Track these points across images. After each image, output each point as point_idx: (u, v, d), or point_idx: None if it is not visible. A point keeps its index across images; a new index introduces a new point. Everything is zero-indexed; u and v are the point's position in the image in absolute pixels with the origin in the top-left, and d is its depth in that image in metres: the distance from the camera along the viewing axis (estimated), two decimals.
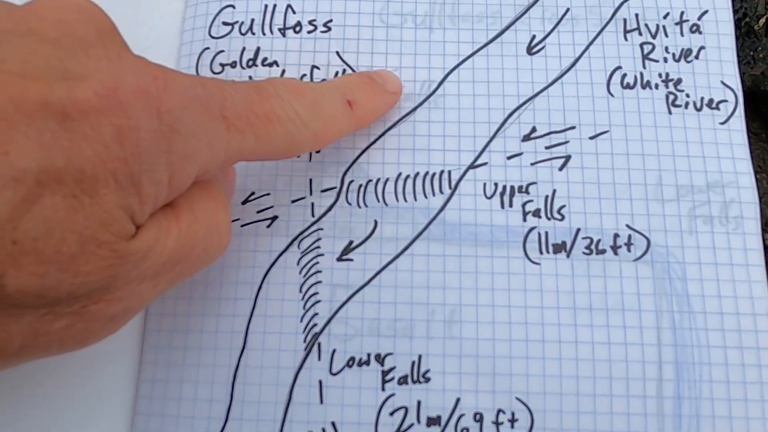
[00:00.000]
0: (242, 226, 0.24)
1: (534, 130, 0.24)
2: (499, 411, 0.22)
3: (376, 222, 0.24)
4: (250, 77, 0.25)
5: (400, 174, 0.24)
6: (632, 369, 0.22)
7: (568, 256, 0.23)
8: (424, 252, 0.23)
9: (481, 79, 0.25)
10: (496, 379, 0.22)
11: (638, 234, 0.23)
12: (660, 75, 0.25)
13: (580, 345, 0.22)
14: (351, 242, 0.24)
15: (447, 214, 0.24)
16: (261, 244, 0.24)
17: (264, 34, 0.26)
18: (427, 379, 0.22)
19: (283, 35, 0.26)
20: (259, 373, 0.22)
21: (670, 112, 0.24)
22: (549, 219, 0.23)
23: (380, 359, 0.22)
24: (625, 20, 0.26)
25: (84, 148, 0.14)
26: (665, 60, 0.25)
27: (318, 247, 0.23)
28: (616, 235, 0.23)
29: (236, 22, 0.26)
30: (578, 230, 0.23)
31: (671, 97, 0.25)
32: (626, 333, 0.22)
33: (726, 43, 0.25)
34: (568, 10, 0.26)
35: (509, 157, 0.24)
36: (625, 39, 0.25)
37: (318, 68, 0.26)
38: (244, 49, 0.26)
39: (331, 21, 0.26)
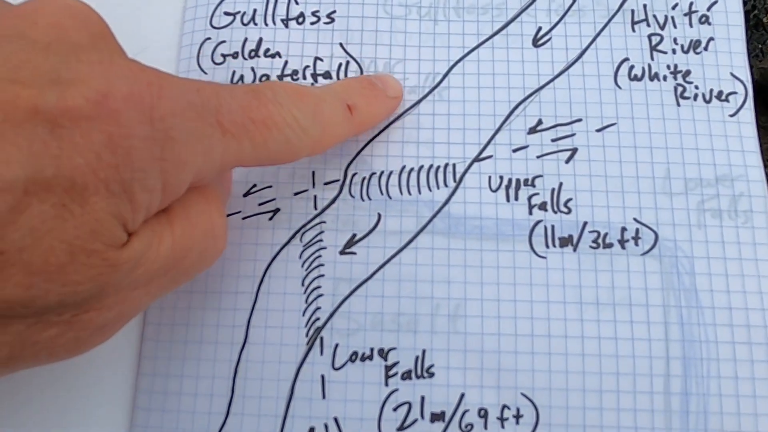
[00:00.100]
0: (244, 218, 0.24)
1: (540, 122, 0.24)
2: (504, 407, 0.21)
3: (379, 215, 0.23)
4: (253, 68, 0.25)
5: (404, 167, 0.24)
6: (639, 365, 0.21)
7: (574, 249, 0.23)
8: (428, 245, 0.23)
9: (486, 72, 0.25)
10: (501, 374, 0.22)
11: (646, 228, 0.23)
12: (668, 67, 0.24)
13: (586, 340, 0.22)
14: (354, 235, 0.23)
15: (451, 208, 0.23)
16: (263, 236, 0.23)
17: (266, 24, 0.26)
18: (431, 374, 0.22)
19: (286, 26, 0.26)
20: (260, 368, 0.22)
21: (678, 105, 0.24)
22: (555, 212, 0.23)
23: (383, 354, 0.22)
24: (632, 11, 0.25)
25: (74, 157, 0.14)
26: (674, 51, 0.25)
27: (320, 241, 0.23)
28: (623, 229, 0.23)
29: (238, 12, 0.26)
30: (585, 224, 0.23)
31: (680, 89, 0.24)
32: (633, 328, 0.22)
33: (736, 35, 0.25)
34: (574, 1, 0.26)
35: (515, 150, 0.24)
36: (633, 30, 0.25)
37: (321, 60, 0.25)
38: (246, 39, 0.25)
39: (334, 12, 0.26)
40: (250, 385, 0.22)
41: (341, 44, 0.25)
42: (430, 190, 0.24)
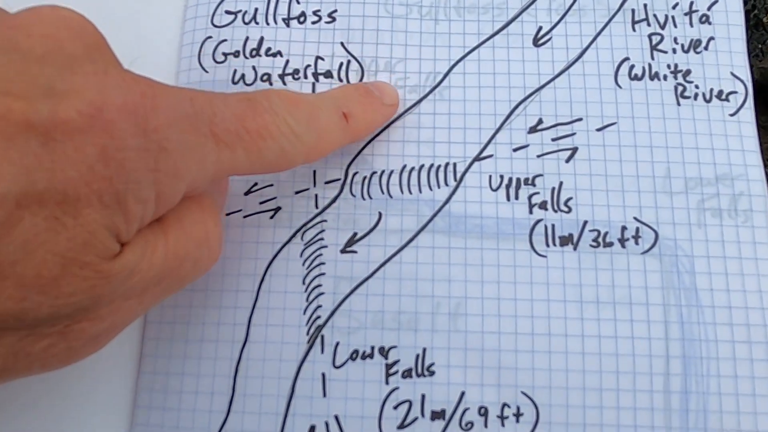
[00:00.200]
0: (245, 217, 0.24)
1: (540, 122, 0.24)
2: (504, 405, 0.21)
3: (380, 214, 0.23)
4: (254, 67, 0.25)
5: (404, 166, 0.24)
6: (639, 363, 0.22)
7: (575, 248, 0.23)
8: (429, 244, 0.23)
9: (487, 71, 0.25)
10: (501, 372, 0.22)
11: (646, 227, 0.23)
12: (669, 66, 0.25)
13: (586, 339, 0.22)
14: (355, 234, 0.23)
15: (452, 207, 0.23)
16: (264, 235, 0.23)
17: (268, 24, 0.26)
18: (432, 373, 0.22)
19: (287, 25, 0.26)
20: (261, 366, 0.22)
21: (678, 104, 0.24)
22: (556, 211, 0.23)
23: (384, 352, 0.22)
24: (633, 11, 0.25)
25: (67, 170, 0.14)
26: (674, 51, 0.25)
27: (321, 239, 0.23)
28: (623, 228, 0.23)
29: (239, 11, 0.26)
30: (585, 222, 0.23)
31: (680, 88, 0.24)
32: (633, 327, 0.22)
33: (736, 34, 0.25)
34: (575, 0, 0.26)
35: (515, 149, 0.24)
36: (634, 30, 0.25)
37: (322, 59, 0.25)
38: (247, 38, 0.25)
39: (335, 11, 0.26)
40: (251, 383, 0.22)
41: (342, 43, 0.25)
42: (430, 189, 0.24)
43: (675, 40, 0.25)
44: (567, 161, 0.24)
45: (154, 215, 0.16)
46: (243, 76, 0.25)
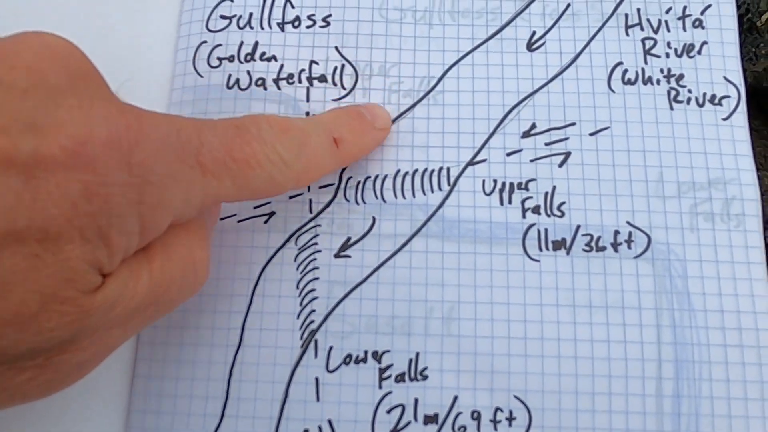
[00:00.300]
0: (239, 221, 0.24)
1: (534, 126, 0.24)
2: (497, 409, 0.21)
3: (374, 219, 0.23)
4: (248, 72, 0.25)
5: (398, 171, 0.24)
6: (631, 367, 0.22)
7: (567, 253, 0.23)
8: (422, 249, 0.23)
9: (480, 76, 0.25)
10: (494, 377, 0.22)
11: (639, 231, 0.23)
12: (662, 70, 0.25)
13: (579, 343, 0.22)
14: (349, 239, 0.23)
15: (446, 211, 0.23)
16: (258, 240, 0.23)
17: (262, 28, 0.26)
18: (425, 377, 0.22)
19: (282, 30, 0.26)
20: (255, 370, 0.22)
21: (671, 108, 0.24)
22: (549, 216, 0.23)
23: (377, 357, 0.22)
24: (626, 15, 0.25)
25: (48, 207, 0.13)
26: (667, 55, 0.25)
27: (315, 244, 0.23)
28: (616, 232, 0.23)
29: (234, 15, 0.26)
30: (578, 227, 0.23)
31: (673, 92, 0.24)
32: (626, 331, 0.22)
33: (729, 38, 0.25)
34: (569, 5, 0.26)
35: (509, 154, 0.24)
36: (627, 34, 0.25)
37: (317, 63, 0.25)
38: (242, 43, 0.26)
39: (330, 16, 0.26)
40: (245, 387, 0.22)
41: (337, 48, 0.26)
42: (424, 193, 0.24)
43: (668, 44, 0.25)
44: (560, 166, 0.24)
45: (139, 245, 0.16)
46: (238, 80, 0.25)
